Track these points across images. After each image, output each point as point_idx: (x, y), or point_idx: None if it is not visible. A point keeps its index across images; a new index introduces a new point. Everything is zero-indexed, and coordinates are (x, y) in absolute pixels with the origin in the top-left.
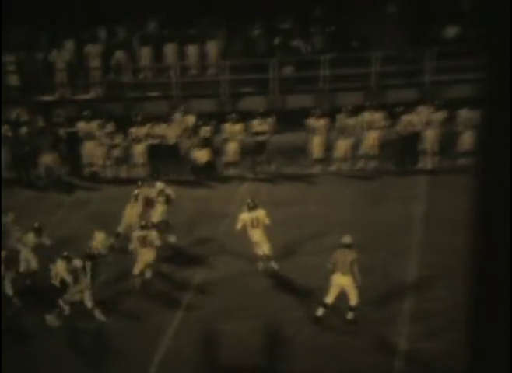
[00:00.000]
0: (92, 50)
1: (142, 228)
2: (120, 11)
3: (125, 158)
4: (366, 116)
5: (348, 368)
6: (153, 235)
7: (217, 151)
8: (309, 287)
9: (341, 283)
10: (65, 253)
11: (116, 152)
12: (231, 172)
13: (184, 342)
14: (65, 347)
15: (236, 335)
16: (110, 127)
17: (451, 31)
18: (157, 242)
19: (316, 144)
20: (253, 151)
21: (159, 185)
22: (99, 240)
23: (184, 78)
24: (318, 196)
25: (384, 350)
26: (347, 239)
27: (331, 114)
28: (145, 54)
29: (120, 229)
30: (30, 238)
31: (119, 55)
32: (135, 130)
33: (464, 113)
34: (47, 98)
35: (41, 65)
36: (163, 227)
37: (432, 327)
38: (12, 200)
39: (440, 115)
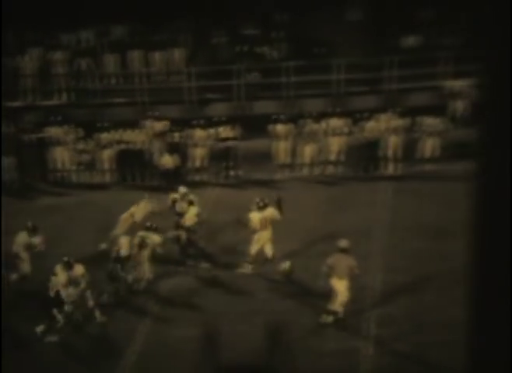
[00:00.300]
0: (58, 56)
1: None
2: (87, 18)
3: (93, 164)
4: (331, 122)
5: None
6: (155, 238)
7: (186, 157)
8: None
9: (337, 287)
10: (65, 258)
11: (84, 158)
12: (199, 177)
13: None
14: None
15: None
16: (77, 132)
17: (412, 40)
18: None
19: (281, 150)
20: (220, 156)
21: (182, 189)
22: (123, 242)
23: (150, 85)
24: (284, 202)
25: (351, 354)
26: (343, 244)
27: (296, 120)
28: (111, 60)
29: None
30: (22, 237)
31: (84, 62)
32: (102, 136)
33: (424, 120)
34: (14, 104)
35: (9, 71)
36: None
37: (398, 331)
38: None
39: (401, 122)
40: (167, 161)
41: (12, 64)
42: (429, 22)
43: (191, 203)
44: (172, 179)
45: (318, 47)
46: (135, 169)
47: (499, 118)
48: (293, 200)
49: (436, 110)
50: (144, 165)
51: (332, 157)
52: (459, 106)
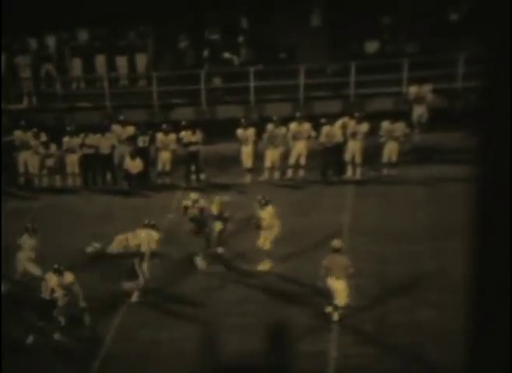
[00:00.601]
0: (23, 60)
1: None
2: (52, 22)
3: (59, 168)
4: (294, 126)
5: None
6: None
7: (151, 161)
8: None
9: (335, 286)
10: (56, 266)
11: (50, 162)
12: (164, 181)
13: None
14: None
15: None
16: (43, 136)
17: (374, 45)
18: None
19: (245, 154)
20: (185, 161)
21: (194, 195)
22: (142, 237)
23: (115, 89)
24: (249, 206)
25: (315, 358)
26: (337, 243)
27: (260, 124)
28: (76, 65)
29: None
30: (25, 239)
31: (48, 66)
32: (67, 140)
33: (386, 125)
34: None
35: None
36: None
37: (361, 335)
38: None
39: (362, 127)
40: (131, 165)
41: None
42: (390, 27)
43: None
44: (136, 182)
45: (281, 51)
46: (100, 173)
47: (498, 122)
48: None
49: (398, 115)
50: (110, 169)
51: (295, 161)
52: (420, 111)
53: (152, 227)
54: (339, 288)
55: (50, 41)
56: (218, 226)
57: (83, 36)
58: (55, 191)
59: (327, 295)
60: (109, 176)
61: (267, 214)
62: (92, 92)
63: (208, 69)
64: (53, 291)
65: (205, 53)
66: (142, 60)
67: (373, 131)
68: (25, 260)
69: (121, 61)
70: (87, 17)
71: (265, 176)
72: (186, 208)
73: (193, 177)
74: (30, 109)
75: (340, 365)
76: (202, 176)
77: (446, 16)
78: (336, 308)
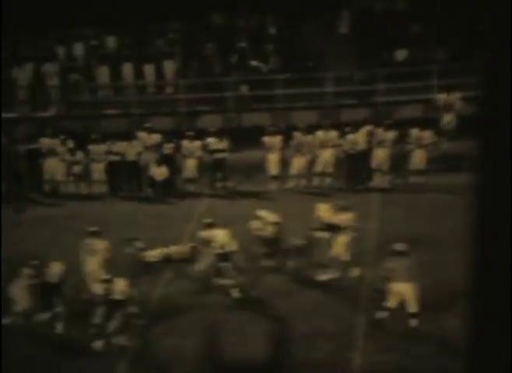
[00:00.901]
0: (51, 68)
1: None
2: (80, 30)
3: (85, 175)
4: (321, 134)
5: None
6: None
7: (177, 168)
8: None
9: (400, 291)
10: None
11: (76, 169)
12: (190, 188)
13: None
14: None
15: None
16: (70, 143)
17: (401, 53)
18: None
19: (272, 162)
20: (211, 168)
21: (268, 215)
22: (221, 237)
23: (141, 96)
24: (274, 213)
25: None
26: (400, 246)
27: (287, 132)
28: (103, 72)
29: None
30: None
31: (76, 74)
32: (93, 148)
33: (414, 133)
34: (7, 115)
35: (1, 83)
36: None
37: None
38: None
39: (390, 134)
40: (157, 172)
41: (5, 75)
42: (419, 35)
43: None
44: (162, 190)
45: (309, 59)
46: (126, 181)
47: (498, 130)
48: (283, 211)
49: (426, 123)
50: (136, 176)
51: (322, 169)
52: (448, 118)
53: (217, 226)
54: (405, 292)
55: (78, 49)
56: (341, 239)
57: (111, 43)
58: (81, 198)
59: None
60: (134, 183)
61: (347, 217)
62: (119, 100)
63: (237, 77)
64: (118, 294)
65: (233, 60)
66: (169, 67)
67: (401, 139)
68: (96, 264)
69: (149, 69)
70: (115, 24)
71: (291, 183)
72: (257, 229)
73: (218, 184)
74: (57, 116)
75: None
76: (229, 184)
77: (475, 24)
78: (412, 315)
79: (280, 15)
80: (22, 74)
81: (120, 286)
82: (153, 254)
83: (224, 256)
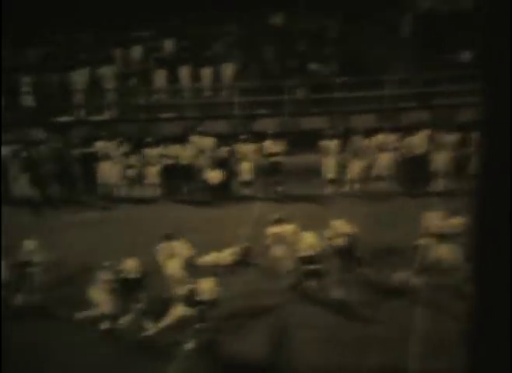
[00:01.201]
0: (107, 72)
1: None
2: (138, 33)
3: (139, 178)
4: (380, 138)
5: None
6: None
7: (233, 172)
8: None
9: None
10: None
11: (130, 172)
12: (246, 191)
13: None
14: None
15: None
16: (125, 147)
17: (464, 55)
18: None
19: (329, 165)
20: (267, 171)
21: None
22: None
23: (197, 100)
24: (331, 217)
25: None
26: None
27: (344, 136)
28: (160, 75)
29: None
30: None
31: (133, 78)
32: (148, 151)
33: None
34: (63, 119)
35: (57, 86)
36: None
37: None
38: (28, 219)
39: (451, 138)
40: (213, 176)
41: (61, 79)
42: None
43: None
44: (218, 193)
45: (369, 62)
46: (181, 184)
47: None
48: (340, 215)
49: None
50: (191, 180)
51: (380, 172)
52: None
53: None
54: None
55: (136, 52)
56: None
57: (169, 46)
58: (134, 201)
59: None
60: (188, 187)
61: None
62: (174, 103)
63: (295, 80)
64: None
65: (292, 63)
66: (228, 70)
67: (463, 142)
68: (178, 267)
69: (206, 72)
70: (173, 28)
71: (347, 187)
72: (329, 239)
73: (275, 188)
74: (112, 120)
75: None
76: (279, 188)
77: None
78: None
79: (340, 17)
80: (79, 78)
81: (208, 286)
82: (205, 260)
83: (310, 259)
